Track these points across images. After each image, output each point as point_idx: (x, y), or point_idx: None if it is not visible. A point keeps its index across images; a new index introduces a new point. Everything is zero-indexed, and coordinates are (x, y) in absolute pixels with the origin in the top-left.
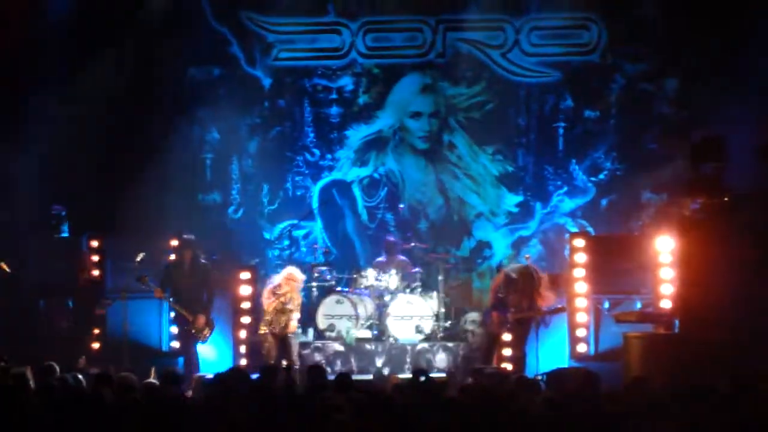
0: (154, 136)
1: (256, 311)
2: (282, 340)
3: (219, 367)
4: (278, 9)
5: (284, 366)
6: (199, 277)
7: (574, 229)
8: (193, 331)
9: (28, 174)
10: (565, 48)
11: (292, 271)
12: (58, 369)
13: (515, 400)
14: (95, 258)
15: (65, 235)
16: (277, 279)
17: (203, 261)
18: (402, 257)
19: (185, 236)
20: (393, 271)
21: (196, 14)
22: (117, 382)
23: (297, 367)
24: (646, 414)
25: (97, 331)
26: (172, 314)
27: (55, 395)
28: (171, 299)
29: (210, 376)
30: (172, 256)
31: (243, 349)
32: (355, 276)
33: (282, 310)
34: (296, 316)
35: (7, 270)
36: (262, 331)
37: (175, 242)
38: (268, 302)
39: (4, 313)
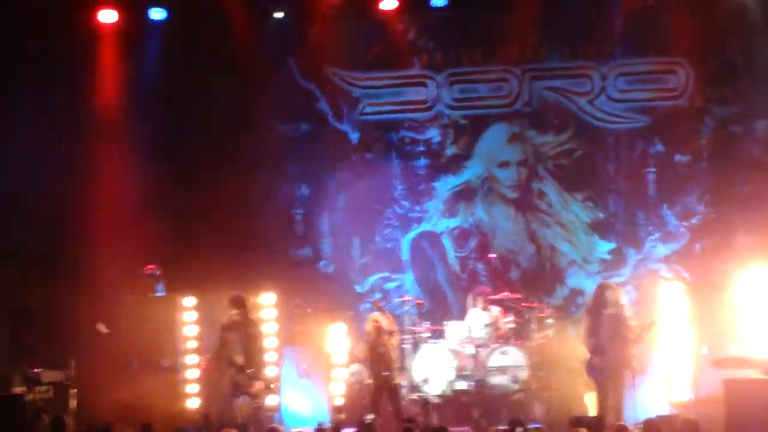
0: (244, 192)
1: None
2: (388, 390)
3: (313, 422)
4: (364, 64)
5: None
6: (253, 339)
7: (669, 275)
8: (251, 395)
9: (119, 235)
10: (652, 93)
11: (374, 316)
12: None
13: None
14: (190, 316)
15: (161, 294)
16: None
17: (254, 320)
18: (494, 307)
19: (236, 295)
20: (486, 322)
21: (284, 71)
22: None
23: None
24: None
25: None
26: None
27: None
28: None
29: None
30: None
31: (338, 402)
32: (447, 327)
33: (380, 359)
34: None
35: (104, 330)
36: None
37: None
38: (364, 352)
39: (103, 372)
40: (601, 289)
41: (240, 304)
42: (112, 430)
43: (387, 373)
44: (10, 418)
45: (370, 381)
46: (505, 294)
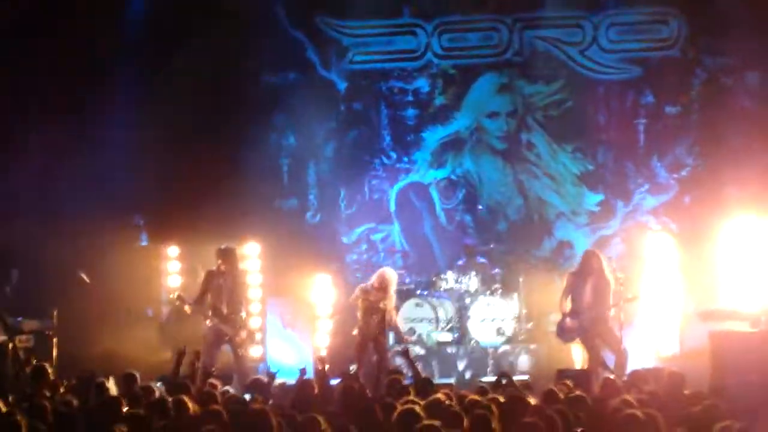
0: (230, 142)
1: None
2: (374, 341)
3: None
4: (353, 12)
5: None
6: (239, 289)
7: (657, 227)
8: (235, 345)
9: (104, 182)
10: (644, 43)
11: (386, 270)
12: (139, 377)
13: (600, 402)
14: (174, 266)
15: (144, 243)
16: (372, 278)
17: (241, 271)
18: (482, 259)
19: (224, 247)
20: (473, 273)
21: (271, 20)
22: (199, 392)
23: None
24: (734, 415)
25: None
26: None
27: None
28: (210, 317)
29: (291, 382)
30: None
31: (323, 354)
32: (434, 279)
33: (372, 310)
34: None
35: (87, 280)
36: (354, 332)
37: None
38: (358, 302)
39: (86, 322)
40: (588, 256)
41: (226, 254)
42: (96, 379)
43: (373, 327)
44: None
45: (355, 332)
46: (492, 245)
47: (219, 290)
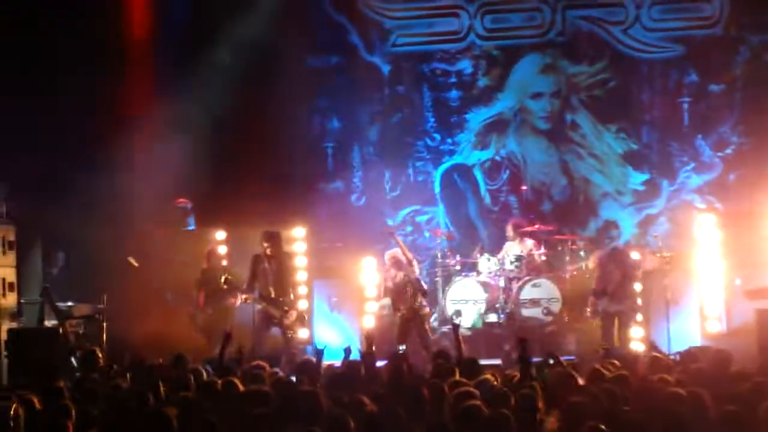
0: (275, 126)
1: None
2: (414, 321)
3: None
4: None
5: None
6: (286, 272)
7: (703, 206)
8: (283, 327)
9: (152, 169)
10: (687, 22)
11: (393, 253)
12: (188, 358)
13: (646, 381)
14: (222, 250)
15: (192, 228)
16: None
17: (287, 254)
18: (528, 239)
19: (270, 231)
20: (519, 254)
21: (315, 3)
22: (246, 372)
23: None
24: None
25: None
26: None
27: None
28: (259, 301)
29: (337, 364)
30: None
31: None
32: (479, 259)
33: (400, 290)
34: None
35: (135, 264)
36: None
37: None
38: (388, 289)
39: (134, 306)
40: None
41: (273, 237)
42: (145, 362)
43: (411, 304)
44: (43, 351)
45: (397, 313)
46: (538, 226)
47: (266, 274)
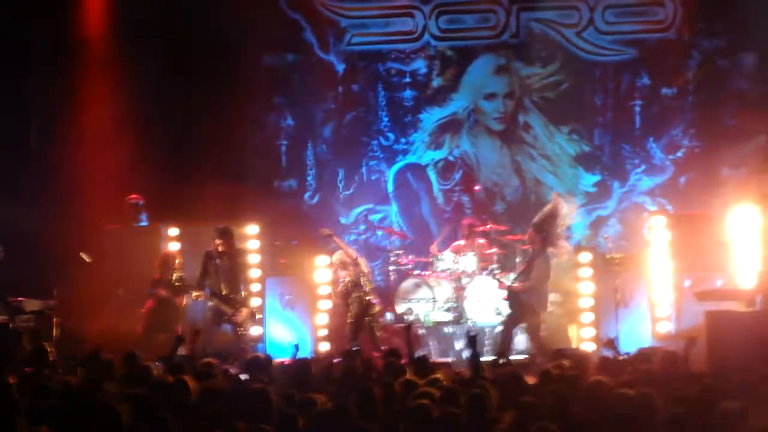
0: (229, 123)
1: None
2: (366, 316)
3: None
4: None
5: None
6: (237, 269)
7: (653, 208)
8: (236, 325)
9: (103, 164)
10: (640, 25)
11: (337, 256)
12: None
13: (595, 382)
14: (173, 246)
15: (144, 224)
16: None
17: (239, 250)
18: (479, 240)
19: (222, 227)
20: (470, 254)
21: (270, 1)
22: (198, 370)
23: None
24: (732, 395)
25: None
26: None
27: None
28: (210, 297)
29: (287, 361)
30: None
31: (322, 333)
32: (431, 259)
33: (351, 289)
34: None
35: (88, 260)
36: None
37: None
38: (339, 290)
39: (86, 302)
40: None
41: (225, 234)
42: (99, 356)
43: (360, 303)
44: None
45: (348, 314)
46: (490, 226)
47: (217, 270)
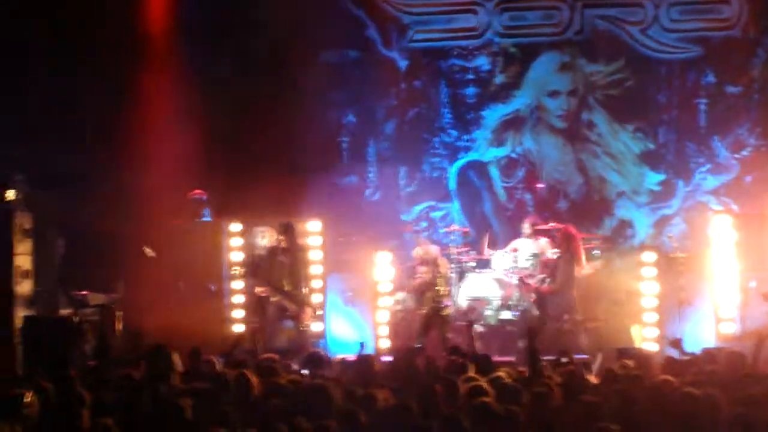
0: (291, 120)
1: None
2: (437, 317)
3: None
4: None
5: (420, 347)
6: (300, 265)
7: (718, 207)
8: (298, 321)
9: (167, 160)
10: (705, 23)
11: (424, 248)
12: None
13: (658, 382)
14: (236, 242)
15: (207, 219)
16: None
17: (301, 246)
18: (542, 238)
19: (284, 222)
20: (533, 252)
21: None
22: (258, 366)
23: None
24: None
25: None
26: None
27: (201, 379)
28: (274, 293)
29: (351, 358)
30: (271, 244)
31: (383, 330)
32: (493, 257)
33: (425, 287)
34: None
35: (151, 254)
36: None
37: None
38: (413, 283)
39: (149, 296)
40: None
41: (287, 230)
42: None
43: (437, 301)
44: (56, 339)
45: (419, 309)
46: (553, 224)
47: (280, 266)
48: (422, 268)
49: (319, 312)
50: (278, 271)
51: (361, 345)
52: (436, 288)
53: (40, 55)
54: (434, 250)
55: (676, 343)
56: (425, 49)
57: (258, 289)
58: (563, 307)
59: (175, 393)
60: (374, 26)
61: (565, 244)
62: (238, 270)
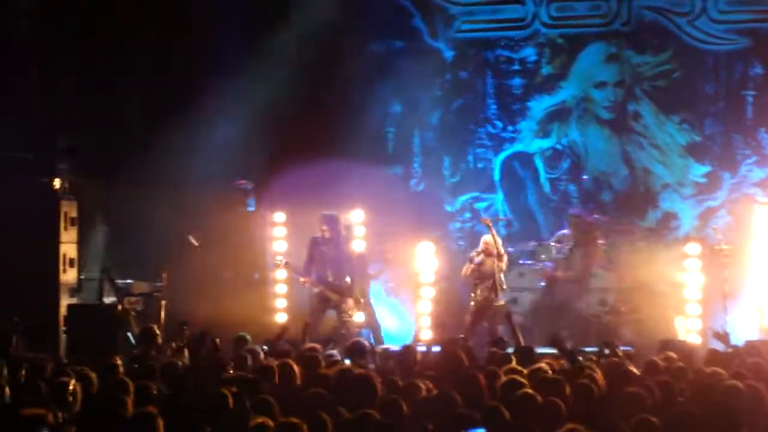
0: (336, 109)
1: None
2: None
3: (401, 340)
4: None
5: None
6: (343, 255)
7: (764, 200)
8: (341, 311)
9: (213, 149)
10: (753, 14)
11: (486, 237)
12: (249, 339)
13: (702, 374)
14: (280, 232)
15: (251, 209)
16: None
17: (344, 237)
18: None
19: (328, 213)
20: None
21: None
22: (300, 356)
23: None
24: None
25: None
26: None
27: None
28: (316, 284)
29: (395, 348)
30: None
31: (425, 321)
32: (538, 248)
33: (482, 276)
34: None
35: (195, 243)
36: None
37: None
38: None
39: (193, 285)
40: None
41: (331, 220)
42: (208, 338)
43: (492, 294)
44: (101, 326)
45: (470, 300)
46: (596, 216)
47: (323, 257)
48: (482, 257)
49: (363, 301)
50: (320, 262)
51: (414, 335)
52: (494, 281)
53: (84, 43)
54: (500, 244)
55: (723, 337)
56: (471, 40)
57: (301, 280)
58: (576, 295)
59: (218, 382)
60: (420, 16)
61: (582, 233)
62: (281, 260)
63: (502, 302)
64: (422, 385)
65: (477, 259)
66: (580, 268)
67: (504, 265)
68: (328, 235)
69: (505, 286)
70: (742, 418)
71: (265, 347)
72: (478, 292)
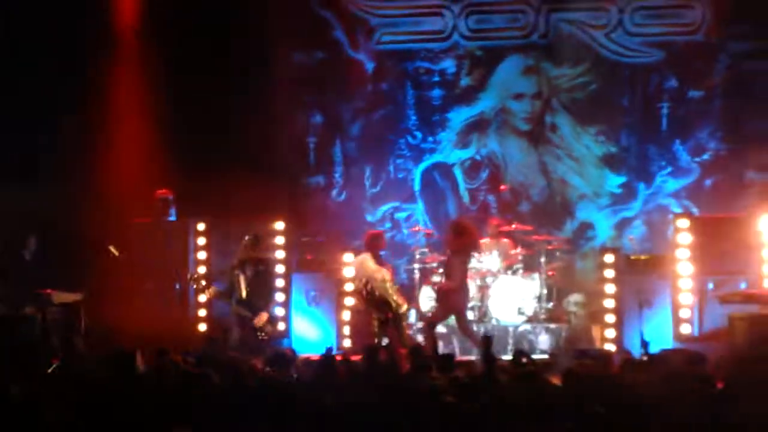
0: (258, 120)
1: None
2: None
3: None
4: None
5: (385, 345)
6: (263, 277)
7: (678, 210)
8: (255, 329)
9: (132, 159)
10: (669, 28)
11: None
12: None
13: (620, 381)
14: (201, 241)
15: (173, 218)
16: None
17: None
18: (504, 239)
19: (252, 235)
20: (495, 253)
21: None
22: (224, 364)
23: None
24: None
25: (203, 313)
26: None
27: (165, 377)
28: (228, 300)
29: (315, 357)
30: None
31: (346, 330)
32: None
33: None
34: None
35: (116, 253)
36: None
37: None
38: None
39: (113, 295)
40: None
41: (255, 242)
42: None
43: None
44: (20, 338)
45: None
46: (515, 226)
47: (244, 279)
48: (363, 279)
49: (282, 312)
50: (240, 284)
51: (328, 348)
52: (382, 296)
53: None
54: (370, 265)
55: (643, 345)
56: (392, 52)
57: (208, 292)
58: (463, 303)
59: (141, 392)
60: (341, 28)
61: (459, 239)
62: (200, 282)
63: (404, 307)
64: (344, 393)
65: (361, 284)
66: (460, 276)
67: (382, 277)
68: (251, 254)
69: (396, 297)
70: (656, 425)
71: (189, 357)
72: (374, 311)
